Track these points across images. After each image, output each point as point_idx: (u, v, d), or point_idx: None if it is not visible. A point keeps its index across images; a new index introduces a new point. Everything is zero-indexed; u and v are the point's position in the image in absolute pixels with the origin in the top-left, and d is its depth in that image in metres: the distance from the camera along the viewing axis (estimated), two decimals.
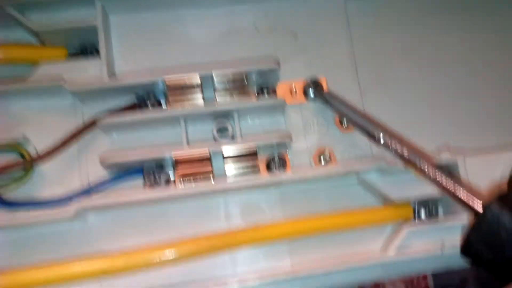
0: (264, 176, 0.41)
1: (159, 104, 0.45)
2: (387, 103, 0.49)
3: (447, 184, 0.37)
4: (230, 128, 0.44)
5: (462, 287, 0.84)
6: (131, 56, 0.47)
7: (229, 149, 0.42)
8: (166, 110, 0.43)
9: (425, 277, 0.93)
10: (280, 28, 0.49)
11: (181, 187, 0.40)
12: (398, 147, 0.40)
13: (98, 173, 0.44)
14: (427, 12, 0.51)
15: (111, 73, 0.44)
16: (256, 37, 0.49)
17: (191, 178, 0.42)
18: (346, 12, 0.50)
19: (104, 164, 0.42)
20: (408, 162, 0.40)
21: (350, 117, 0.44)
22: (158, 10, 0.47)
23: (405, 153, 0.40)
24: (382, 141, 0.41)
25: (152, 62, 0.46)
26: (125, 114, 0.42)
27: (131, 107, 0.45)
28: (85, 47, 0.47)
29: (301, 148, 0.47)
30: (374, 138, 0.42)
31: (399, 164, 0.42)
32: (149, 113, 0.42)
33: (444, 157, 0.42)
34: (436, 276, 0.93)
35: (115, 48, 0.46)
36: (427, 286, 0.92)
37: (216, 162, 0.44)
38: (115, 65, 0.46)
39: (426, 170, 0.38)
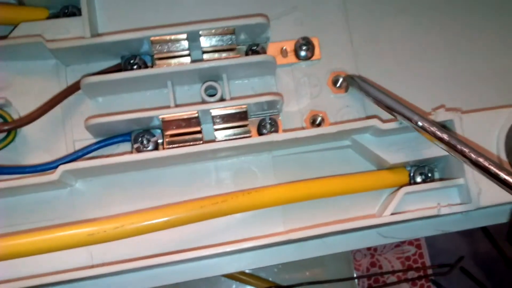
0: (255, 137, 0.40)
1: (145, 65, 0.43)
2: (381, 64, 0.47)
3: (489, 167, 0.35)
4: (219, 89, 0.43)
5: (458, 265, 0.84)
6: (114, 15, 0.45)
7: (218, 110, 0.41)
8: (152, 69, 0.41)
9: (421, 255, 0.93)
10: None
11: (169, 150, 0.39)
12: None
13: (84, 138, 0.43)
14: None
15: (94, 33, 0.42)
16: None
17: (180, 141, 0.41)
18: None
19: (90, 128, 0.40)
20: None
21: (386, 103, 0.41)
22: None
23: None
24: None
25: (136, 22, 0.44)
26: (108, 74, 0.41)
27: (116, 69, 0.43)
28: (67, 8, 0.45)
29: (293, 111, 0.45)
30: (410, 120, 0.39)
31: (394, 124, 0.40)
32: (134, 73, 0.41)
33: (441, 115, 0.41)
34: (433, 254, 0.93)
35: (98, 8, 0.44)
36: (424, 264, 0.92)
37: (205, 125, 0.42)
38: (98, 26, 0.44)
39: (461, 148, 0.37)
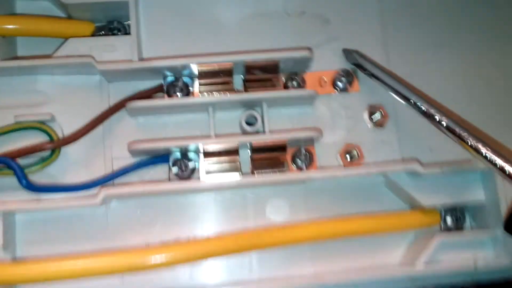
0: (292, 173, 0.40)
1: (187, 87, 0.44)
2: None
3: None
4: (258, 118, 0.43)
5: None
6: (158, 35, 0.45)
7: (257, 142, 0.41)
8: (194, 98, 0.42)
9: None
10: (312, 12, 0.47)
11: (206, 179, 0.40)
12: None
13: (123, 156, 0.43)
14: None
15: (140, 56, 0.43)
16: (285, 21, 0.47)
17: (218, 170, 0.42)
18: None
19: (132, 151, 0.41)
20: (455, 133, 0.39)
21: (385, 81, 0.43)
22: None
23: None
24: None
25: (178, 42, 0.45)
26: (154, 100, 0.41)
27: (158, 89, 0.44)
28: (112, 22, 0.45)
29: (328, 142, 0.45)
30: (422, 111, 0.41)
31: (435, 170, 0.41)
32: (178, 101, 0.41)
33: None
34: None
35: (142, 26, 0.45)
36: None
37: (243, 152, 0.43)
38: (143, 48, 0.44)
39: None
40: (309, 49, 0.44)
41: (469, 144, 0.39)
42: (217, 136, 0.42)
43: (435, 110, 0.41)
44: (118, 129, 0.44)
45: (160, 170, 0.44)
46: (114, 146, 0.43)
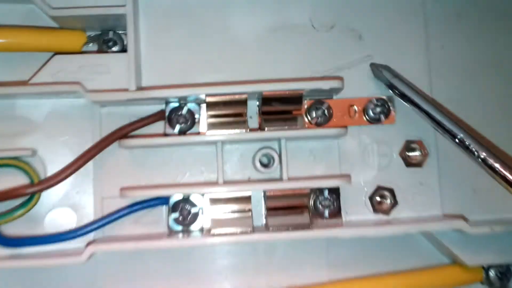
0: (312, 232, 0.34)
1: (192, 115, 0.37)
2: None
3: None
4: (275, 159, 0.36)
5: None
6: (161, 54, 0.38)
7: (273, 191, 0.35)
8: (200, 136, 0.35)
9: None
10: (342, 27, 0.40)
11: (216, 238, 0.33)
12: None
13: (116, 195, 0.37)
14: None
15: (138, 77, 0.36)
16: (311, 36, 0.39)
17: (226, 223, 0.35)
18: (424, 14, 0.40)
19: (125, 198, 0.35)
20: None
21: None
22: None
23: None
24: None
25: (184, 59, 0.38)
26: (151, 138, 0.35)
27: (159, 117, 0.37)
28: (107, 32, 0.38)
29: (357, 183, 0.39)
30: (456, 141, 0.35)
31: (484, 229, 0.34)
32: (179, 139, 0.35)
33: None
34: None
35: (142, 43, 0.38)
36: None
37: (255, 200, 0.36)
38: (141, 60, 0.37)
39: None
40: (340, 78, 0.37)
41: None
42: (226, 182, 0.35)
43: (482, 147, 0.34)
44: (110, 162, 0.37)
45: (159, 212, 0.37)
46: (105, 183, 0.37)
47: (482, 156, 0.34)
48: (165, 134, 0.36)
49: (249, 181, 0.36)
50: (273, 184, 0.34)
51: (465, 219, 0.35)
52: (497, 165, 0.34)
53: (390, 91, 0.38)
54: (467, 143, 0.35)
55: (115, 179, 0.37)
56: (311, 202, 0.38)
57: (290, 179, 0.35)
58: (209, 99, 0.34)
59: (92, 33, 0.38)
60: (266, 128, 0.35)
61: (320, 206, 0.38)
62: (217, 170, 0.35)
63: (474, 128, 0.39)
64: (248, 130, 0.35)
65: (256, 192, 0.36)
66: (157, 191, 0.34)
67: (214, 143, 0.35)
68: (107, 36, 0.38)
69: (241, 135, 0.34)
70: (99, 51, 0.38)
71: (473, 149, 0.34)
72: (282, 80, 0.35)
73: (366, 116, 0.39)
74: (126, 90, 0.34)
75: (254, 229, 0.34)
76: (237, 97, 0.34)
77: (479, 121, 0.40)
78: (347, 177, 0.36)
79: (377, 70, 0.38)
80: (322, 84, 0.35)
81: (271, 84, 0.34)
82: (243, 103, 0.35)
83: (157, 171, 0.37)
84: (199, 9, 0.38)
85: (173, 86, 0.35)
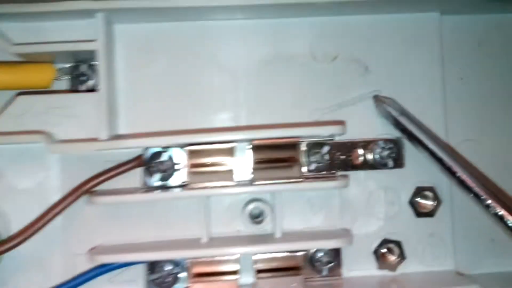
0: None
1: (173, 164, 0.33)
2: None
3: None
4: (266, 213, 0.32)
5: None
6: (140, 87, 0.34)
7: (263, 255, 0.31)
8: (186, 192, 0.31)
9: None
10: (346, 57, 0.35)
11: None
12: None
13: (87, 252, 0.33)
14: None
15: (112, 122, 0.32)
16: (311, 68, 0.35)
17: (209, 284, 0.31)
18: (441, 42, 0.35)
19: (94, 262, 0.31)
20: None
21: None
22: (176, 21, 0.34)
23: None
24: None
25: (166, 99, 0.34)
26: (123, 195, 0.31)
27: (137, 164, 0.33)
28: (78, 66, 0.34)
29: (360, 235, 0.35)
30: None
31: None
32: (155, 195, 0.31)
33: None
34: None
35: (118, 74, 0.33)
36: None
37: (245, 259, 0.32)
38: (117, 101, 0.33)
39: None
40: (342, 123, 0.32)
41: None
42: (210, 242, 0.31)
43: (500, 203, 0.30)
44: (81, 217, 0.33)
45: (136, 270, 0.33)
46: (77, 239, 0.33)
47: (499, 214, 0.30)
48: (143, 184, 0.32)
49: (237, 238, 0.32)
50: (263, 246, 0.30)
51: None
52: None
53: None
54: (482, 197, 0.30)
55: (87, 234, 0.33)
56: (308, 258, 0.33)
57: (284, 235, 0.31)
58: (190, 148, 0.30)
59: (64, 66, 0.34)
60: (255, 181, 0.31)
61: (317, 265, 0.33)
62: (201, 228, 0.31)
63: (493, 179, 0.34)
64: (233, 183, 0.31)
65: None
66: (131, 255, 0.30)
67: (197, 197, 0.31)
68: (79, 71, 0.34)
69: (226, 190, 0.30)
70: (71, 88, 0.33)
71: (490, 205, 0.30)
72: (275, 126, 0.31)
73: (372, 160, 0.34)
74: (95, 139, 0.30)
75: None
76: (223, 146, 0.30)
77: (501, 166, 0.35)
78: (347, 236, 0.32)
79: (381, 104, 0.34)
80: (320, 131, 0.30)
81: (262, 131, 0.30)
82: (230, 151, 0.31)
83: (134, 226, 0.33)
84: (184, 39, 0.34)
85: (151, 134, 0.31)
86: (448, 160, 0.32)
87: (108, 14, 0.30)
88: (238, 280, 0.31)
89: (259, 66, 0.35)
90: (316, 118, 0.34)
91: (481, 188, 0.31)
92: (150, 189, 0.31)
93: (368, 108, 0.35)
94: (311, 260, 0.34)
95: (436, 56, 0.35)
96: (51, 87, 0.33)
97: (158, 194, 0.30)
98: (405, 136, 0.33)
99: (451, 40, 0.36)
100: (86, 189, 0.31)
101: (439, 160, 0.32)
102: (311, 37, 0.35)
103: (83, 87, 0.33)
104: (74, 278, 0.32)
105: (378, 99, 0.34)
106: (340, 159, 0.34)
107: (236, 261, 0.31)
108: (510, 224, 0.30)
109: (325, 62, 0.35)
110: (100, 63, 0.31)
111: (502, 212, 0.30)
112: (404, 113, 0.34)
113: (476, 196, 0.31)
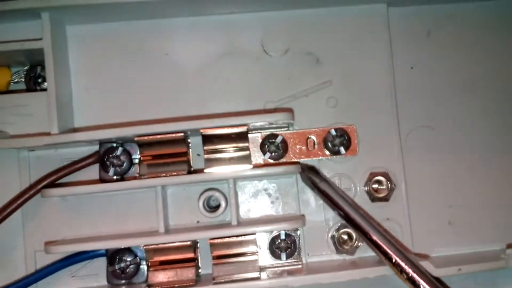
0: (264, 281, 0.30)
1: (129, 157, 0.33)
2: (438, 165, 0.36)
3: None
4: (221, 201, 0.33)
5: None
6: (94, 84, 0.35)
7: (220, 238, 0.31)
8: (140, 181, 0.32)
9: None
10: (298, 50, 0.36)
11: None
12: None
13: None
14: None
15: (66, 117, 0.33)
16: (264, 62, 0.36)
17: (168, 272, 0.32)
18: (389, 33, 0.36)
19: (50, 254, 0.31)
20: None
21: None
22: (127, 20, 0.35)
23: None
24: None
25: (120, 94, 0.35)
26: (73, 187, 0.31)
27: (93, 161, 0.34)
28: (34, 68, 0.35)
29: (318, 222, 0.36)
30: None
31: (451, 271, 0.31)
32: (117, 185, 0.31)
33: None
34: None
35: (72, 72, 0.34)
36: None
37: (202, 244, 0.33)
38: (72, 98, 0.34)
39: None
40: (290, 110, 0.33)
41: None
42: (168, 231, 0.31)
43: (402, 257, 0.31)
44: (42, 212, 0.34)
45: (98, 264, 0.34)
46: (37, 235, 0.34)
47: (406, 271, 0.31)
48: (100, 179, 0.33)
49: (194, 228, 0.33)
50: (220, 231, 0.30)
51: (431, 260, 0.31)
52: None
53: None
54: (389, 255, 0.31)
55: (48, 230, 0.34)
56: (267, 244, 0.34)
57: (239, 222, 0.32)
58: (140, 140, 0.31)
59: (21, 69, 0.35)
60: (206, 170, 0.32)
61: (277, 251, 0.34)
62: (158, 218, 0.32)
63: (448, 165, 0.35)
64: (186, 172, 0.31)
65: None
66: (89, 244, 0.30)
67: (152, 187, 0.32)
68: (35, 72, 0.35)
69: (178, 178, 0.31)
70: (27, 89, 0.34)
71: (396, 262, 0.31)
72: (222, 116, 0.32)
73: (326, 148, 0.35)
74: (47, 134, 0.31)
75: (200, 280, 0.31)
76: (173, 136, 0.31)
77: (456, 151, 0.36)
78: (300, 219, 0.33)
79: (304, 173, 0.34)
80: (268, 118, 0.31)
81: (209, 120, 0.31)
82: (182, 141, 0.32)
83: (94, 219, 0.34)
84: (135, 38, 0.35)
85: (101, 126, 0.32)
86: (360, 220, 0.32)
87: (55, 13, 0.31)
88: (196, 267, 0.32)
89: (211, 61, 0.35)
90: None
91: (389, 246, 0.31)
92: (104, 181, 0.32)
93: (320, 99, 0.36)
94: (271, 246, 0.34)
95: (384, 47, 0.36)
96: (8, 89, 0.34)
97: (109, 185, 0.31)
98: (325, 199, 0.33)
99: (400, 31, 0.37)
100: (43, 186, 0.32)
101: (351, 221, 0.32)
102: (262, 31, 0.36)
103: (39, 88, 0.34)
104: (34, 273, 0.33)
105: (302, 169, 0.34)
106: (294, 148, 0.35)
107: (191, 248, 0.32)
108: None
109: (277, 56, 0.36)
110: (47, 61, 0.31)
111: (409, 271, 0.31)
112: (324, 180, 0.34)
113: (384, 253, 0.31)
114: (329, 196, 0.32)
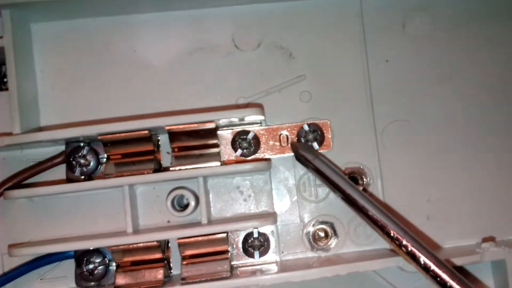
0: (234, 282, 0.30)
1: (96, 155, 0.33)
2: (414, 158, 0.36)
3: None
4: (190, 199, 0.32)
5: None
6: (60, 82, 0.34)
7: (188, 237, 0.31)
8: (106, 181, 0.31)
9: None
10: (269, 44, 0.36)
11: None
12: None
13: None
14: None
15: (31, 117, 0.32)
16: (235, 57, 0.35)
17: (136, 278, 0.31)
18: (362, 26, 0.36)
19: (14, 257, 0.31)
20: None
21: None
22: (94, 16, 0.34)
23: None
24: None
25: (87, 92, 0.34)
26: (36, 188, 0.31)
27: (61, 161, 0.33)
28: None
29: (292, 219, 0.35)
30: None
31: None
32: (82, 185, 0.31)
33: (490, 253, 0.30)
34: None
35: (37, 71, 0.34)
36: None
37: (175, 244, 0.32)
38: (38, 97, 0.33)
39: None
40: (259, 106, 0.33)
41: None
42: (136, 231, 0.31)
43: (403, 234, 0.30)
44: (8, 214, 0.33)
45: (67, 266, 0.33)
46: (3, 237, 0.33)
47: (409, 250, 0.30)
48: (67, 179, 0.32)
49: (163, 228, 0.32)
50: (189, 230, 0.30)
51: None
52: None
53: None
54: (391, 234, 0.30)
55: (15, 232, 0.33)
56: (240, 243, 0.33)
57: (210, 221, 0.31)
58: (104, 138, 0.30)
59: None
60: (175, 167, 0.31)
61: (250, 249, 0.33)
62: (126, 218, 0.31)
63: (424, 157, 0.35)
64: (152, 171, 0.31)
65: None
66: (54, 246, 0.30)
67: (120, 187, 0.31)
68: (0, 71, 0.34)
69: (143, 178, 0.30)
70: None
71: (399, 240, 0.30)
72: (189, 112, 0.31)
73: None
74: (9, 134, 0.30)
75: (169, 281, 0.30)
76: (138, 133, 0.30)
77: (432, 144, 0.36)
78: (272, 216, 0.32)
79: (296, 150, 0.33)
80: (236, 114, 0.31)
81: (173, 117, 0.30)
82: (149, 139, 0.31)
83: (62, 220, 0.33)
84: (103, 34, 0.34)
85: (65, 125, 0.31)
86: (359, 199, 0.31)
87: (16, 10, 0.30)
88: (165, 267, 0.31)
89: (181, 57, 0.35)
90: None
91: (391, 223, 0.31)
92: (71, 181, 0.31)
93: (293, 94, 0.35)
94: (243, 245, 0.33)
95: (358, 40, 0.36)
96: None
97: (74, 185, 0.30)
98: (319, 177, 0.32)
99: (374, 24, 0.36)
100: (7, 187, 0.31)
101: (347, 197, 0.31)
102: (233, 26, 0.35)
103: (4, 87, 0.33)
104: (0, 276, 0.32)
105: (293, 145, 0.34)
106: (266, 145, 0.34)
107: (159, 248, 0.31)
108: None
109: (249, 51, 0.35)
110: (8, 59, 0.31)
111: (410, 248, 0.30)
112: (317, 157, 0.33)
113: (382, 228, 0.30)
114: (323, 173, 0.31)
